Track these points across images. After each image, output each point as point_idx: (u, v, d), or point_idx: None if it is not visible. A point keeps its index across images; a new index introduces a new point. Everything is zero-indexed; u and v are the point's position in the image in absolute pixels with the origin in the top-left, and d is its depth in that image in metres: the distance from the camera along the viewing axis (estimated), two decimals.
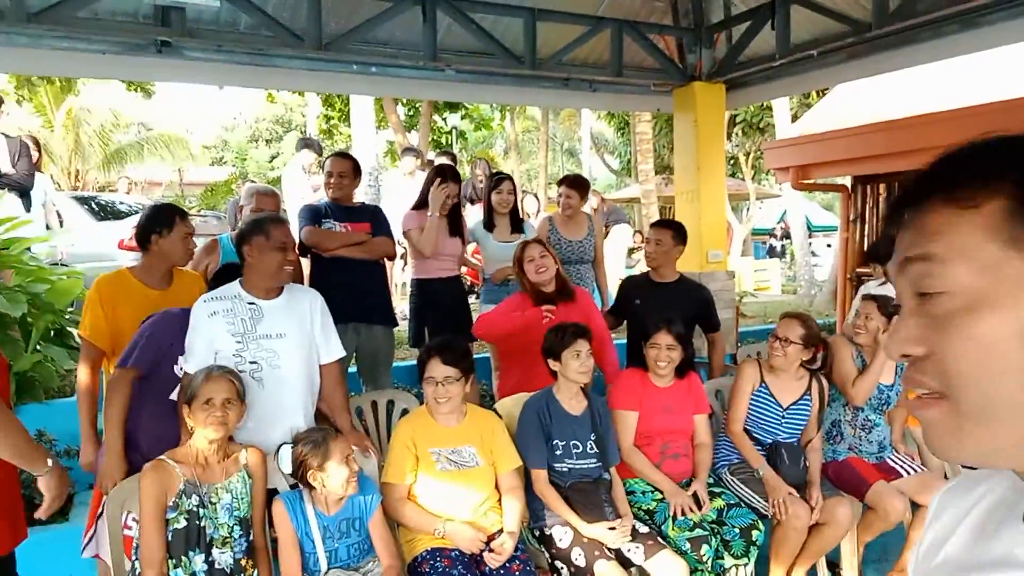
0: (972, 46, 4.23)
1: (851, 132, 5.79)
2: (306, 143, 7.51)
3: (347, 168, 4.02)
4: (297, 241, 3.94)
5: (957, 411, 0.57)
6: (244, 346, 2.71)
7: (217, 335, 2.71)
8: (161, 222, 3.09)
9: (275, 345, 2.75)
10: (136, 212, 9.23)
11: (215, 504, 2.38)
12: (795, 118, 11.70)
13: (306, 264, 4.17)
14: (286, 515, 2.46)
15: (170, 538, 2.31)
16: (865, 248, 6.07)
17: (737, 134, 14.41)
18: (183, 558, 2.31)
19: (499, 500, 2.82)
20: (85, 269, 5.71)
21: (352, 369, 4.04)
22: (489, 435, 2.83)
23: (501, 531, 2.72)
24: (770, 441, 3.33)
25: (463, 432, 2.79)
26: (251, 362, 2.72)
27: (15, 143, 5.80)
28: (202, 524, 2.34)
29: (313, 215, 3.95)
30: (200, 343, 2.72)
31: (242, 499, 2.44)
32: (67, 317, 4.33)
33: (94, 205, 8.81)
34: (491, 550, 2.63)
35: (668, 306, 3.70)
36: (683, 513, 2.98)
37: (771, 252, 18.90)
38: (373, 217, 4.08)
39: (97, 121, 16.89)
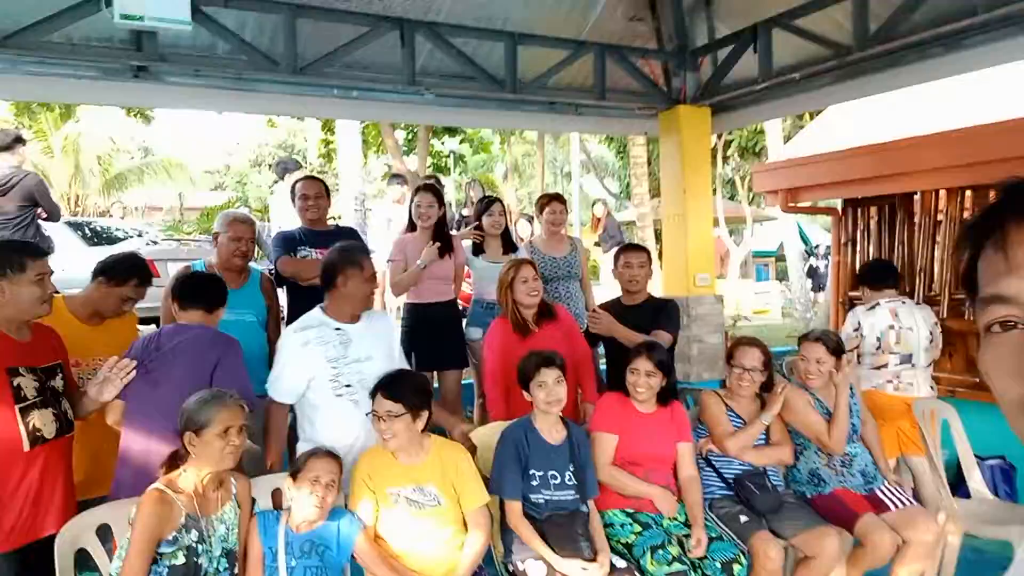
0: (956, 68, 4.22)
1: (839, 155, 5.74)
2: (285, 167, 7.43)
3: (320, 189, 4.03)
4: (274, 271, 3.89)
5: None
6: (339, 371, 2.88)
7: (313, 363, 2.87)
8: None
9: (364, 368, 2.89)
10: (131, 237, 9.26)
11: (212, 537, 2.31)
12: (788, 139, 11.71)
13: (282, 294, 4.10)
14: (257, 529, 2.45)
15: (166, 575, 2.20)
16: (856, 271, 6.00)
17: (734, 156, 14.44)
18: None
19: None
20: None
21: None
22: (453, 471, 2.70)
23: None
24: (732, 477, 3.27)
25: (424, 470, 2.66)
26: (346, 385, 2.88)
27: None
28: (199, 560, 2.26)
29: (287, 243, 3.89)
30: (289, 372, 2.90)
31: (232, 530, 2.39)
32: None
33: (87, 231, 8.85)
34: None
35: (639, 328, 3.64)
36: (672, 517, 2.98)
37: (811, 273, 18.41)
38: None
39: (97, 147, 16.97)
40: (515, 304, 3.56)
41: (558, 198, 4.84)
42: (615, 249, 8.77)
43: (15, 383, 2.39)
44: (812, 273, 17.40)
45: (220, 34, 3.92)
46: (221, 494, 2.39)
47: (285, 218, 7.16)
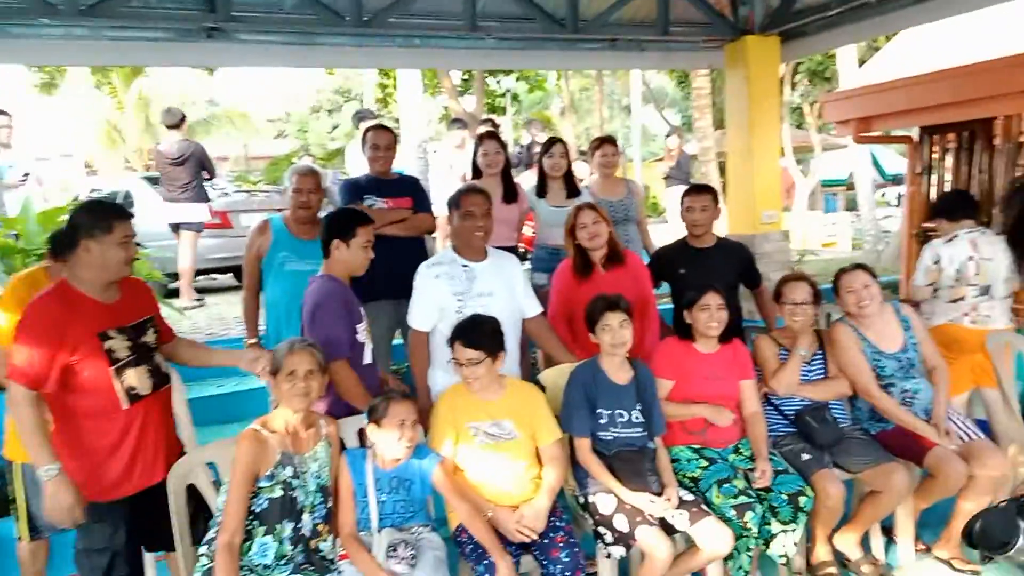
0: None
1: (915, 81, 5.47)
2: (361, 116, 7.58)
3: (392, 140, 4.08)
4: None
5: None
6: (464, 303, 3.08)
7: (441, 295, 3.11)
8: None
9: (487, 302, 3.10)
10: None
11: (305, 474, 2.51)
12: (863, 63, 11.13)
13: None
14: (347, 467, 2.62)
15: (266, 507, 2.41)
16: (931, 202, 5.79)
17: (802, 83, 13.84)
18: (276, 526, 2.42)
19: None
20: (150, 249, 6.01)
21: (397, 341, 4.13)
22: (528, 408, 2.86)
23: None
24: (792, 413, 3.30)
25: (501, 406, 2.83)
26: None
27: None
28: (295, 494, 2.47)
29: (354, 192, 4.01)
30: (423, 301, 3.15)
31: (324, 467, 2.58)
32: None
33: None
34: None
35: (714, 270, 3.67)
36: (736, 449, 3.12)
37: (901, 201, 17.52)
38: (414, 191, 4.13)
39: (166, 101, 17.43)
40: (578, 248, 3.63)
41: (609, 140, 4.82)
42: (678, 186, 8.69)
43: (107, 346, 2.46)
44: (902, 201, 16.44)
45: None
46: (312, 434, 2.58)
47: (359, 166, 7.34)
